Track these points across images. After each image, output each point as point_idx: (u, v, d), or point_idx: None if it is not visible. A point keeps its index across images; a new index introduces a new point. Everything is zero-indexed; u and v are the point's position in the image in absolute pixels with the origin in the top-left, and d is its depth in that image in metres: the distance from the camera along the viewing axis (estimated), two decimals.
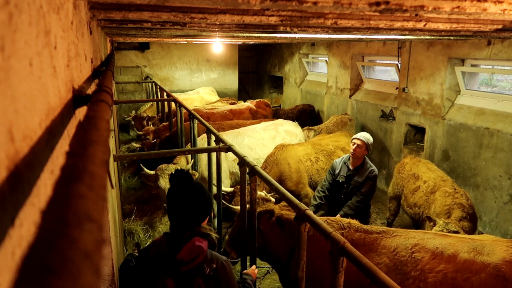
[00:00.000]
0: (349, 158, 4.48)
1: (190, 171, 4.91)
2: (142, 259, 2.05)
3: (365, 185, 4.34)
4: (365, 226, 2.89)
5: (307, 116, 9.58)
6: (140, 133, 8.09)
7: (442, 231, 3.79)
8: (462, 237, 2.84)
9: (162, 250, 1.94)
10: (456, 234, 3.03)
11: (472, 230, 4.12)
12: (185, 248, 1.90)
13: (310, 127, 7.66)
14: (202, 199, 2.00)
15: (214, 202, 4.64)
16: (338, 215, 4.22)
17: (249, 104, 8.98)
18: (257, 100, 9.44)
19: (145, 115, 9.63)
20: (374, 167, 4.45)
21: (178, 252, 1.90)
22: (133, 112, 10.93)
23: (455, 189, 4.50)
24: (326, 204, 4.64)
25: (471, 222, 4.21)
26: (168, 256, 1.91)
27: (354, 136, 4.47)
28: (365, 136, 4.39)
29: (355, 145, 4.34)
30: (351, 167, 4.43)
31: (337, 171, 4.51)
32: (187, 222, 1.96)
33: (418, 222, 4.83)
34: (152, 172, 4.89)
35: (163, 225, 5.64)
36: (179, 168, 2.14)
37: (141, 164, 5.03)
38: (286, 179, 5.21)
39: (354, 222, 2.96)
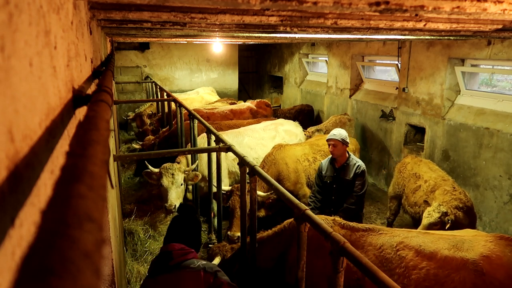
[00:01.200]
0: (334, 158, 4.45)
1: (194, 172, 4.91)
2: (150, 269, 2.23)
3: (356, 183, 4.26)
4: (351, 223, 2.91)
5: (305, 116, 9.53)
6: (141, 129, 8.11)
7: (434, 211, 3.99)
8: (443, 234, 2.92)
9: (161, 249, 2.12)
10: (438, 231, 3.07)
11: (469, 225, 4.15)
12: (179, 244, 2.08)
13: (318, 128, 7.58)
14: (197, 234, 2.29)
15: (214, 202, 4.65)
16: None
17: (250, 104, 8.97)
18: (258, 100, 9.42)
19: (146, 112, 9.60)
20: (360, 162, 4.35)
21: (168, 245, 2.09)
22: (131, 114, 10.93)
23: (454, 188, 4.52)
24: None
25: (468, 216, 4.27)
26: (161, 251, 2.08)
27: (327, 138, 4.36)
28: (335, 133, 4.27)
29: (330, 146, 4.26)
30: (336, 166, 4.37)
31: (323, 172, 4.44)
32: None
33: (418, 222, 4.83)
34: (156, 170, 4.89)
35: (163, 225, 5.64)
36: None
37: (146, 162, 5.03)
38: (284, 179, 5.20)
39: (339, 219, 2.99)
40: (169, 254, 2.01)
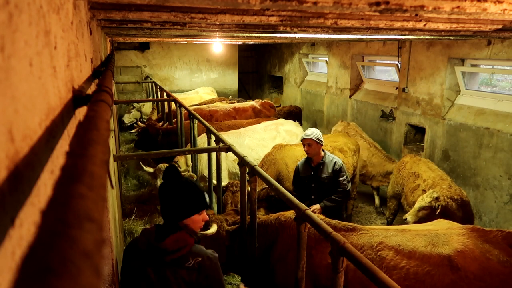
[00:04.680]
0: (310, 158, 4.39)
1: (188, 173, 4.89)
2: (130, 248, 2.12)
3: (340, 179, 4.22)
4: (332, 221, 2.90)
5: (294, 118, 9.40)
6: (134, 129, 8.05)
7: (427, 196, 4.26)
8: (419, 230, 2.94)
9: (149, 238, 2.01)
10: (413, 228, 3.09)
11: (465, 220, 4.20)
12: (171, 237, 1.95)
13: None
14: (190, 193, 2.05)
15: (215, 202, 4.64)
16: (318, 205, 4.15)
17: (253, 103, 8.95)
18: (262, 100, 9.35)
19: (154, 117, 9.52)
20: (337, 159, 4.31)
21: (163, 240, 1.95)
22: (135, 109, 10.89)
23: (450, 186, 4.56)
24: None
25: (462, 209, 4.37)
26: (153, 244, 1.97)
27: (301, 137, 4.31)
28: (309, 133, 4.21)
29: (305, 146, 4.23)
30: (313, 165, 4.33)
31: (301, 173, 4.42)
32: (175, 215, 2.02)
33: (417, 222, 4.85)
34: (151, 170, 4.87)
35: None
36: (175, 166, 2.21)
37: (140, 162, 5.02)
38: (283, 179, 5.19)
39: (322, 217, 2.98)
40: (162, 251, 1.94)
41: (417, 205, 4.30)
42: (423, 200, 4.28)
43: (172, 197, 2.03)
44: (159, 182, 4.76)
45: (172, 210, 2.03)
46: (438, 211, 4.13)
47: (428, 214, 4.18)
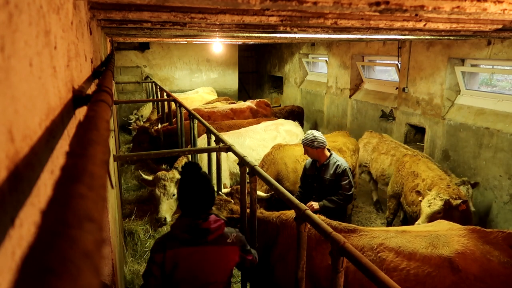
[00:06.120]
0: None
1: None
2: (164, 239, 2.29)
3: (342, 183, 4.18)
4: (333, 222, 2.89)
5: (295, 118, 9.39)
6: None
7: (435, 199, 4.19)
8: (419, 231, 2.93)
9: (188, 224, 2.22)
10: (413, 229, 3.07)
11: (463, 220, 4.18)
12: (210, 218, 2.26)
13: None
14: (211, 187, 2.35)
15: None
16: (317, 203, 4.14)
17: (250, 103, 8.99)
18: (258, 100, 9.42)
19: (154, 117, 9.50)
20: (341, 162, 4.25)
21: (204, 222, 2.22)
22: (134, 113, 10.93)
23: (448, 185, 4.54)
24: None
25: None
26: (198, 225, 2.20)
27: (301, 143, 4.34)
28: (303, 138, 4.23)
29: (303, 151, 4.31)
30: (318, 165, 4.32)
31: (307, 171, 4.44)
32: (202, 208, 2.26)
33: (415, 221, 4.84)
34: (150, 178, 4.85)
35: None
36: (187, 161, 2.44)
37: (139, 171, 4.99)
38: (283, 179, 5.20)
39: (323, 218, 2.97)
40: (206, 230, 2.20)
41: (428, 211, 4.18)
42: (435, 204, 4.18)
43: (205, 190, 2.28)
44: (157, 191, 4.71)
45: (201, 204, 2.27)
46: (463, 207, 4.11)
47: (441, 217, 4.06)
